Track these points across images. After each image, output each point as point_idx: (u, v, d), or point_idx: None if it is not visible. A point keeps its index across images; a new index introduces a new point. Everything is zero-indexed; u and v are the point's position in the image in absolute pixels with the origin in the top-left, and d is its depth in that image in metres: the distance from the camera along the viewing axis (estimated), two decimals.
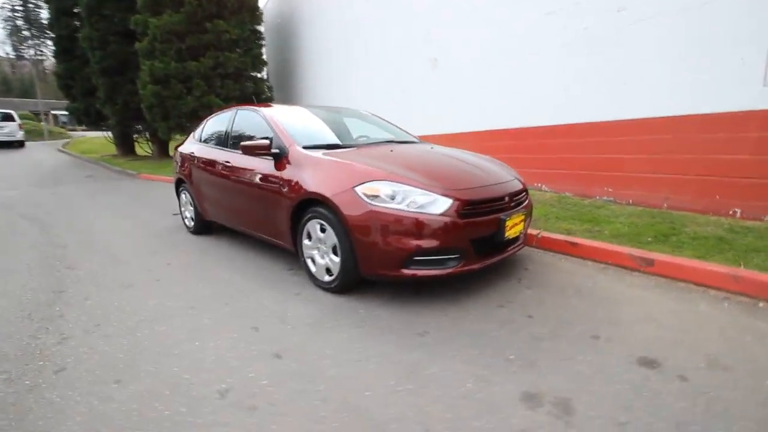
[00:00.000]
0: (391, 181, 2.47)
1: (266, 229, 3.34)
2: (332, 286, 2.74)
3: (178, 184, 4.78)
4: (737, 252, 2.96)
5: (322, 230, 2.73)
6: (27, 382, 1.88)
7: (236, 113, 3.94)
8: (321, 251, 2.80)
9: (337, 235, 2.59)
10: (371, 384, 1.79)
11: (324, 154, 2.95)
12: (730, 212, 3.78)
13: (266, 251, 3.77)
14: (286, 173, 2.98)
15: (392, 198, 2.42)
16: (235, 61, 11.66)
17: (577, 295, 2.64)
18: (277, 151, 3.11)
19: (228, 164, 3.65)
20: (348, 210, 2.49)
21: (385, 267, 2.46)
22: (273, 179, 3.09)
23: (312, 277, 2.91)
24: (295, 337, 2.23)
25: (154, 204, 6.48)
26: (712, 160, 3.86)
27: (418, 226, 2.36)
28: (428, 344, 2.10)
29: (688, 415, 1.54)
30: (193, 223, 4.57)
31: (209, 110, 11.35)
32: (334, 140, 3.34)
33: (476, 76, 6.25)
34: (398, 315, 2.42)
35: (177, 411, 1.65)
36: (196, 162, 4.22)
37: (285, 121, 3.38)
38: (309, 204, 2.80)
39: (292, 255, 3.23)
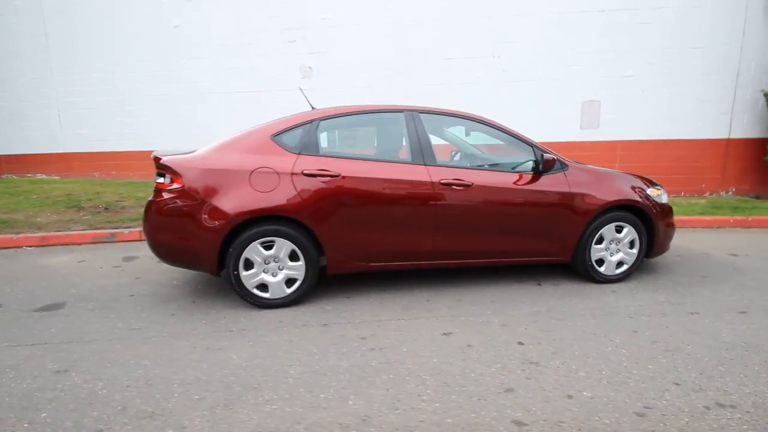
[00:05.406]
0: (651, 186, 3.47)
1: (529, 247, 3.17)
2: (621, 276, 3.31)
3: (239, 231, 2.72)
4: None
5: (618, 230, 3.25)
6: None
7: (420, 118, 3.05)
8: (611, 250, 3.27)
9: (638, 230, 3.25)
10: None
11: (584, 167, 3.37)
12: None
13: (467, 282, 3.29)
14: (573, 186, 3.13)
15: (662, 195, 3.46)
16: None
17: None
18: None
19: (457, 183, 2.94)
20: (654, 209, 3.27)
21: (665, 247, 3.46)
22: (553, 194, 3.10)
23: (598, 275, 3.26)
24: None
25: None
26: None
27: (672, 212, 3.56)
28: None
29: None
30: (293, 289, 2.87)
31: None
32: None
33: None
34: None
35: None
36: (351, 186, 2.79)
37: None
38: (605, 211, 3.20)
39: (502, 271, 3.24)
